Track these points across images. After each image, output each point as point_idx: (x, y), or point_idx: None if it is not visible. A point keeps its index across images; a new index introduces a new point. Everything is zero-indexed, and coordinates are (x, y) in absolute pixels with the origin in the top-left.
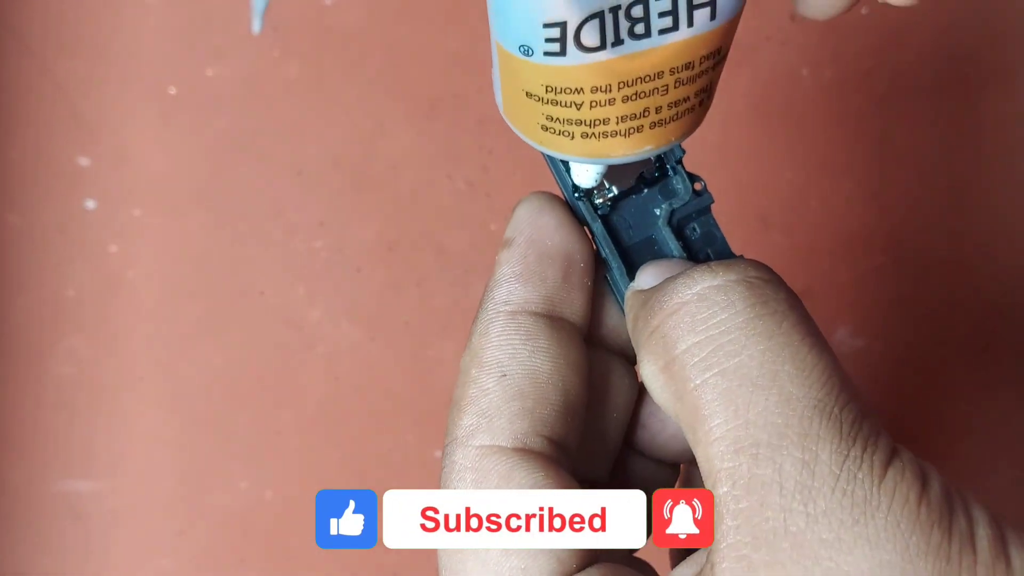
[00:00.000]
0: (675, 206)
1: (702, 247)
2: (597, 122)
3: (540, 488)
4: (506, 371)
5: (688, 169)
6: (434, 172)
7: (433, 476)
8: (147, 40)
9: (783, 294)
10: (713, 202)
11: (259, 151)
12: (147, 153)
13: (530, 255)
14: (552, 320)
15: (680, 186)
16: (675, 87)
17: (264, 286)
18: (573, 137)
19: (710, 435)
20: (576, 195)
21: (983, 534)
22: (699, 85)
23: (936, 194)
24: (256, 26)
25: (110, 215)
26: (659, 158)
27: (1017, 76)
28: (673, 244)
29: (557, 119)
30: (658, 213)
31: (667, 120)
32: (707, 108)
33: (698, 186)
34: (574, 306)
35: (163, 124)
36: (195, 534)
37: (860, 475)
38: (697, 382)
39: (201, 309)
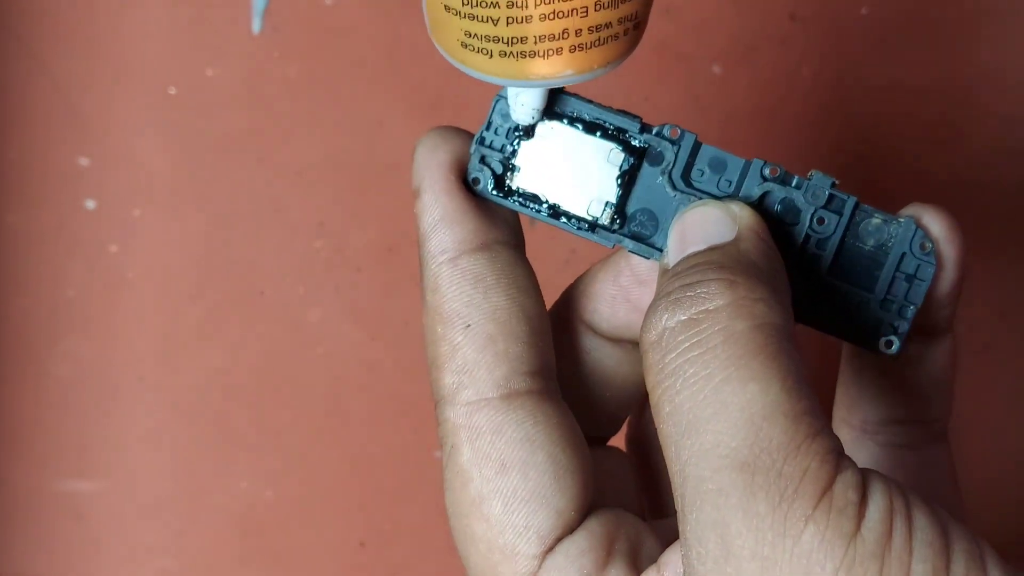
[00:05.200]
0: (669, 169)
1: (718, 179)
2: (515, 40)
3: (529, 440)
4: (468, 320)
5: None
6: None
7: (433, 476)
8: (147, 40)
9: (723, 323)
10: (697, 135)
11: (259, 151)
12: (147, 153)
13: (442, 196)
14: (490, 250)
15: (659, 147)
16: (595, 10)
17: (264, 286)
18: (491, 55)
19: (670, 474)
20: (585, 230)
21: (921, 569)
22: (622, 12)
23: (936, 194)
24: (256, 26)
25: (110, 215)
26: (622, 141)
27: (1017, 76)
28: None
29: (475, 35)
30: (660, 183)
31: (588, 44)
32: (635, 39)
33: (673, 132)
34: (503, 226)
35: (163, 124)
36: (195, 534)
37: (770, 536)
38: (658, 420)
39: (201, 309)
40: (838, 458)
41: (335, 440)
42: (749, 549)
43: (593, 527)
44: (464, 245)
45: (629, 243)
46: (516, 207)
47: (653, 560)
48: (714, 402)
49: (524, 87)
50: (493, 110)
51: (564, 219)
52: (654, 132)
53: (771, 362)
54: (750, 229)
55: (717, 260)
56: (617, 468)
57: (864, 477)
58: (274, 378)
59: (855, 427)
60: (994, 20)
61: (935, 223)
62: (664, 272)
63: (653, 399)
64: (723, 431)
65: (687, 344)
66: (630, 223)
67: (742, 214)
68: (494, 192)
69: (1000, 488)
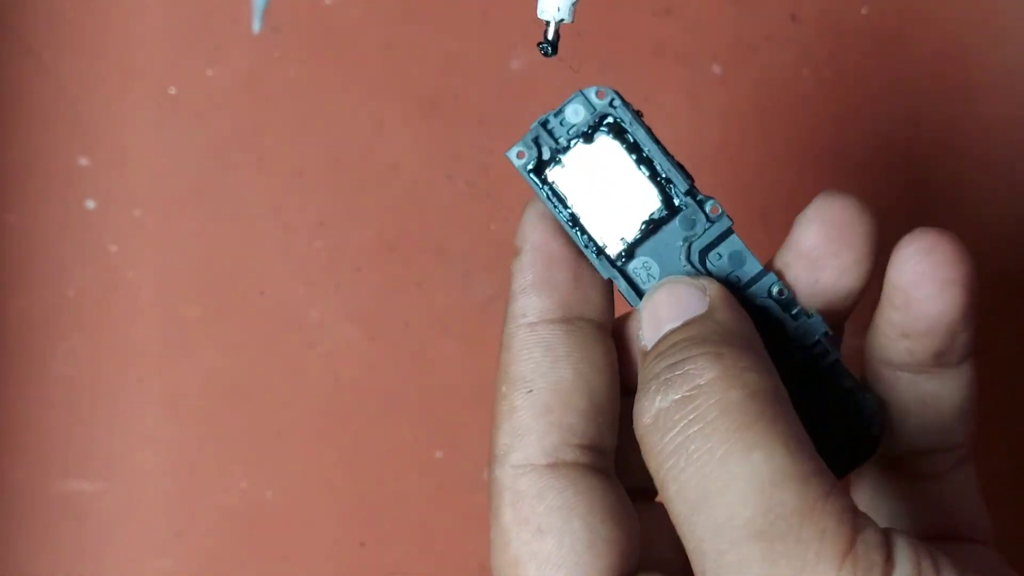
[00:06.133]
0: (692, 240)
1: (731, 271)
2: None
3: (568, 508)
4: (531, 386)
5: (691, 172)
6: (434, 172)
7: (433, 477)
8: (147, 40)
9: (716, 396)
10: (732, 223)
11: (259, 151)
12: (147, 153)
13: (538, 262)
14: (570, 324)
15: (694, 216)
16: None
17: (264, 286)
18: None
19: (687, 552)
20: (591, 250)
21: None
22: None
23: (936, 195)
24: (256, 26)
25: (110, 215)
26: (663, 190)
27: (1017, 76)
28: None
29: None
30: (679, 247)
31: None
32: None
33: (714, 210)
34: (592, 304)
35: (163, 124)
36: (195, 534)
37: None
38: (666, 500)
39: (201, 309)
40: (854, 517)
41: (335, 440)
42: None
43: None
44: (546, 314)
45: (623, 283)
46: (544, 196)
47: None
48: (721, 475)
49: None
50: (570, 101)
51: (578, 232)
52: (697, 198)
53: (771, 428)
54: (721, 299)
55: (698, 334)
56: (663, 524)
57: (887, 536)
58: (274, 378)
59: (879, 464)
60: (995, 20)
61: (939, 250)
62: (644, 355)
63: (658, 481)
64: (735, 503)
65: (684, 422)
66: (632, 265)
67: (710, 286)
68: (531, 173)
69: (1000, 488)
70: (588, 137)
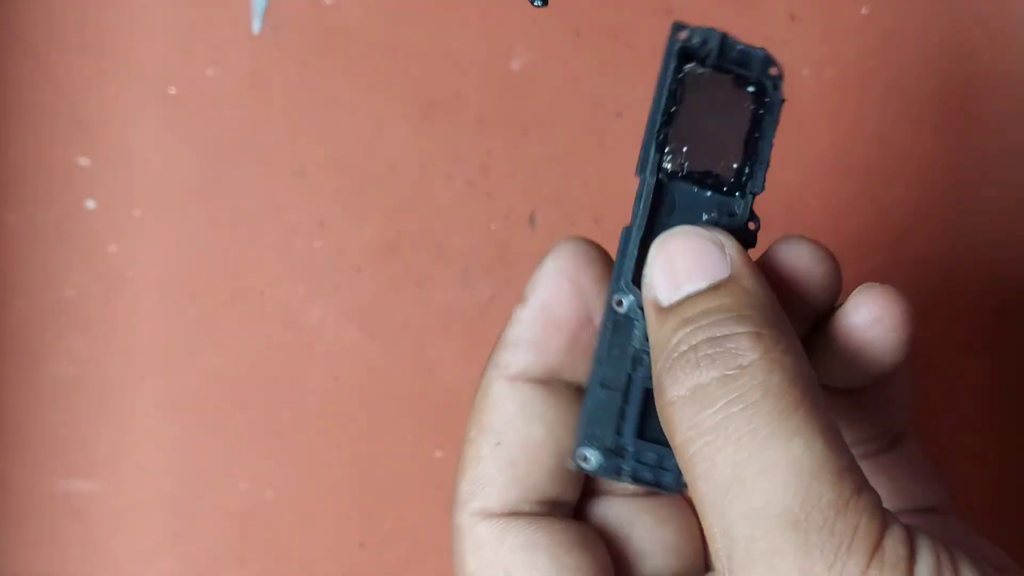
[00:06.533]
0: (721, 223)
1: None
2: None
3: (532, 544)
4: (500, 438)
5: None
6: (434, 172)
7: (433, 476)
8: (147, 40)
9: (759, 378)
10: (754, 246)
11: (259, 151)
12: (147, 153)
13: (538, 322)
14: (551, 385)
15: (738, 212)
16: None
17: (264, 286)
18: None
19: (707, 533)
20: (652, 145)
21: None
22: None
23: (936, 195)
24: (256, 26)
25: (110, 215)
26: (740, 170)
27: (1017, 76)
28: None
29: None
30: (704, 219)
31: None
32: None
33: (752, 225)
34: (576, 369)
35: (163, 124)
36: (195, 534)
37: None
38: (691, 477)
39: (201, 309)
40: (884, 513)
41: (335, 440)
42: None
43: None
44: (529, 372)
45: (645, 194)
46: (667, 78)
47: None
48: (760, 459)
49: None
50: (755, 49)
51: (658, 125)
52: (752, 205)
53: (810, 416)
54: (743, 264)
55: (730, 306)
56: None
57: (910, 532)
58: (274, 378)
59: None
60: (995, 20)
61: (884, 304)
62: (659, 310)
63: (684, 456)
64: (773, 489)
65: (726, 400)
66: (665, 192)
67: (728, 243)
68: (677, 52)
69: (1000, 489)
70: (739, 82)
